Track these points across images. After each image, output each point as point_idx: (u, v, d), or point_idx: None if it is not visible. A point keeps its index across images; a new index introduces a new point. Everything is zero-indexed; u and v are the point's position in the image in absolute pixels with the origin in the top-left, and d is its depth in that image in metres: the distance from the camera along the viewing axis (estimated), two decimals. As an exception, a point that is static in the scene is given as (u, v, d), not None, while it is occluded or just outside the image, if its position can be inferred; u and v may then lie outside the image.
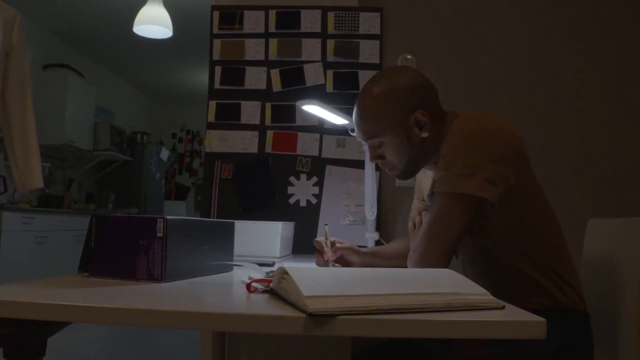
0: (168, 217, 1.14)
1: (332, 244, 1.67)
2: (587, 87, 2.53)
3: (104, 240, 1.19)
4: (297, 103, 1.91)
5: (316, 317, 0.76)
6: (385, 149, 1.44)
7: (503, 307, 0.87)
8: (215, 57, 2.66)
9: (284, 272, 0.91)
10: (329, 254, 1.63)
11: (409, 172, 1.48)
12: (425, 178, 1.65)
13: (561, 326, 1.27)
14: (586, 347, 1.36)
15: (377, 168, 2.29)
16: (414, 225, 1.52)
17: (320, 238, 1.70)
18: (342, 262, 1.68)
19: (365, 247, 1.89)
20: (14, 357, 0.91)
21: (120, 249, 1.17)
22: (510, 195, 1.30)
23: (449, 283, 0.92)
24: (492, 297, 0.88)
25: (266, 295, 0.97)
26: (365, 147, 1.50)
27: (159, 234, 1.14)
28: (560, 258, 1.39)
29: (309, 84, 2.59)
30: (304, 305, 0.78)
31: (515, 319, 0.80)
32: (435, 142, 1.40)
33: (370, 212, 2.16)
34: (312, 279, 0.88)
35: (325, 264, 1.63)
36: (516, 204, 1.33)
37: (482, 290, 0.90)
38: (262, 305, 0.88)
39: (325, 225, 1.72)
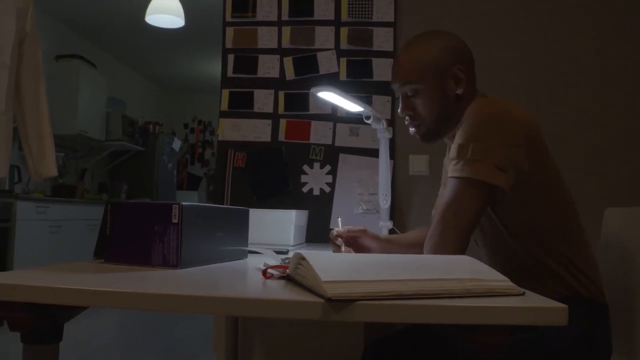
0: (183, 203, 1.14)
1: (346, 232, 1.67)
2: (604, 74, 2.48)
3: (119, 227, 1.18)
4: (312, 90, 1.90)
5: (335, 302, 0.75)
6: (418, 99, 1.44)
7: (523, 294, 0.86)
8: (228, 45, 2.65)
9: (301, 258, 0.90)
10: (340, 241, 1.62)
11: (435, 131, 1.47)
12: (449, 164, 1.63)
13: (579, 316, 1.25)
14: (604, 337, 1.34)
15: (391, 156, 2.27)
16: None
17: (334, 229, 1.69)
18: (359, 246, 1.67)
19: (379, 235, 1.88)
20: (31, 341, 0.91)
21: (135, 235, 1.16)
22: (523, 181, 1.28)
23: (467, 269, 0.91)
24: (511, 284, 0.87)
25: (282, 282, 0.96)
26: (396, 101, 1.49)
27: (174, 220, 1.13)
28: (577, 248, 1.36)
29: (322, 72, 2.58)
30: (322, 290, 0.77)
31: (536, 305, 0.79)
32: (462, 108, 1.40)
33: (384, 201, 2.15)
34: (330, 264, 0.87)
35: (339, 251, 1.62)
36: (530, 191, 1.31)
37: (502, 277, 0.88)
38: (279, 291, 0.87)
39: (338, 218, 1.74)
